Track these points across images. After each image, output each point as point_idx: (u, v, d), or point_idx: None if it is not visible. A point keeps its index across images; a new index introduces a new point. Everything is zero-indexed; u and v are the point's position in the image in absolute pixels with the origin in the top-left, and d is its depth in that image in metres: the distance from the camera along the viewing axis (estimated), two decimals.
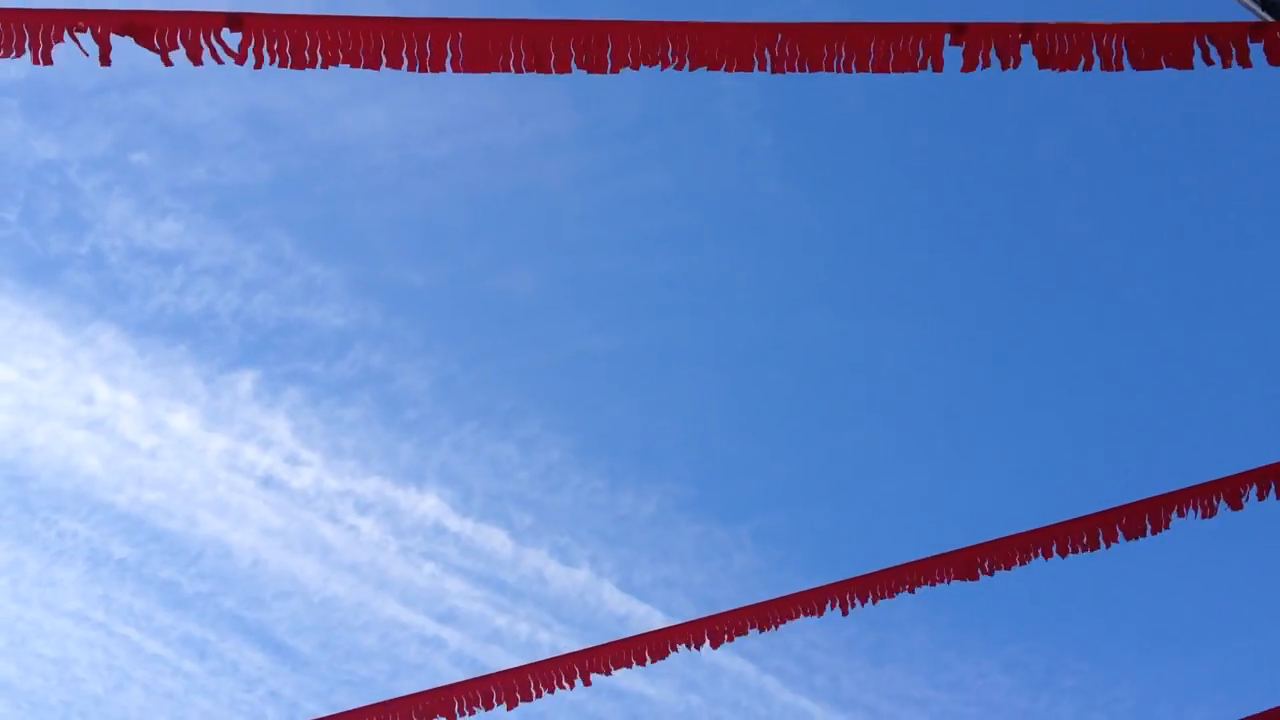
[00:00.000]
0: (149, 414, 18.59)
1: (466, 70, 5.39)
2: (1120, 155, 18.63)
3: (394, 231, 19.11)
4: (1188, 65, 6.19)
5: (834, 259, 19.60)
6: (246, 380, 18.71)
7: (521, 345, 19.56)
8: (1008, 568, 8.49)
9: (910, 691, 19.06)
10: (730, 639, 8.28)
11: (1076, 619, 19.06)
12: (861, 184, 19.28)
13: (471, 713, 8.01)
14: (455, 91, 18.12)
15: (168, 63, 5.14)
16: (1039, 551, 8.42)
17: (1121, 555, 17.26)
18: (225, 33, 5.18)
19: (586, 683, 8.07)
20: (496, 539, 18.96)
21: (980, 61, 6.00)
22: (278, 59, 5.12)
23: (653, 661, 8.28)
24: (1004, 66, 6.02)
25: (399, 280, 19.26)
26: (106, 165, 18.01)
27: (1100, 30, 6.11)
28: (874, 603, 8.50)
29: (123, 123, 18.10)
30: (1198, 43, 6.24)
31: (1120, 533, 8.35)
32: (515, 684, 8.05)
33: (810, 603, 8.34)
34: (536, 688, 8.03)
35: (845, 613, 8.37)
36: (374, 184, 18.85)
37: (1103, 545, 8.42)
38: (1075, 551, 8.43)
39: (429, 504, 18.94)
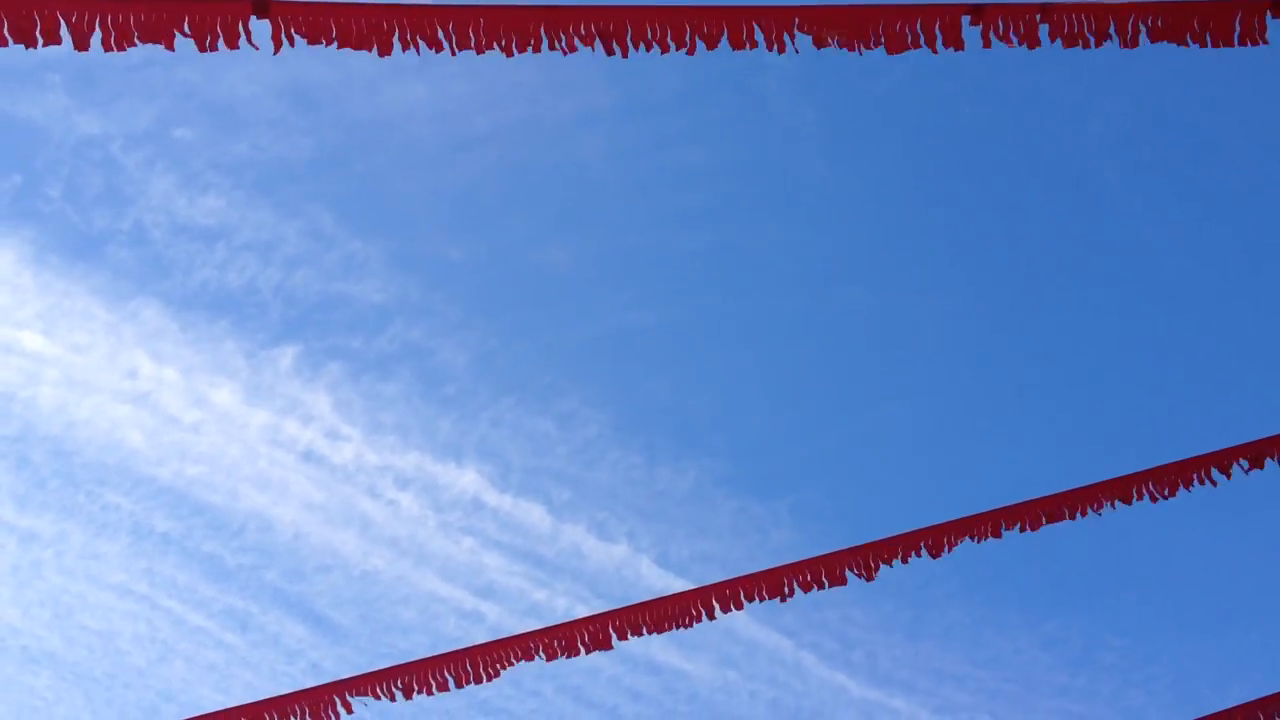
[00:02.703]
0: (191, 389, 18.80)
1: (493, 48, 5.49)
2: (1164, 133, 18.58)
3: (433, 207, 19.24)
4: (1202, 42, 6.22)
5: (873, 234, 19.63)
6: (287, 355, 18.88)
7: (560, 320, 19.67)
8: (1029, 530, 8.48)
9: (947, 667, 19.11)
10: (738, 606, 8.30)
11: (1116, 595, 19.07)
12: (904, 161, 19.29)
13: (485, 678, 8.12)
14: (494, 67, 18.20)
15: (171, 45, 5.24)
16: (1066, 513, 8.43)
17: (1161, 530, 17.24)
18: (252, 20, 5.28)
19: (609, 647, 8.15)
20: (535, 514, 19.10)
21: (999, 40, 6.05)
22: (304, 42, 5.23)
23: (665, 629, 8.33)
24: (1022, 45, 6.06)
25: (438, 255, 19.39)
26: (149, 141, 18.19)
27: (1118, 9, 6.14)
28: (893, 564, 8.48)
29: (165, 98, 18.27)
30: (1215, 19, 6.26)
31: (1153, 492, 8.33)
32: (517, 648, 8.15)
33: (834, 567, 8.36)
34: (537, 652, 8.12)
35: (870, 578, 8.38)
36: (414, 159, 18.98)
37: (1121, 504, 8.40)
38: (1101, 509, 8.42)
39: (468, 479, 19.09)
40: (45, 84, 17.92)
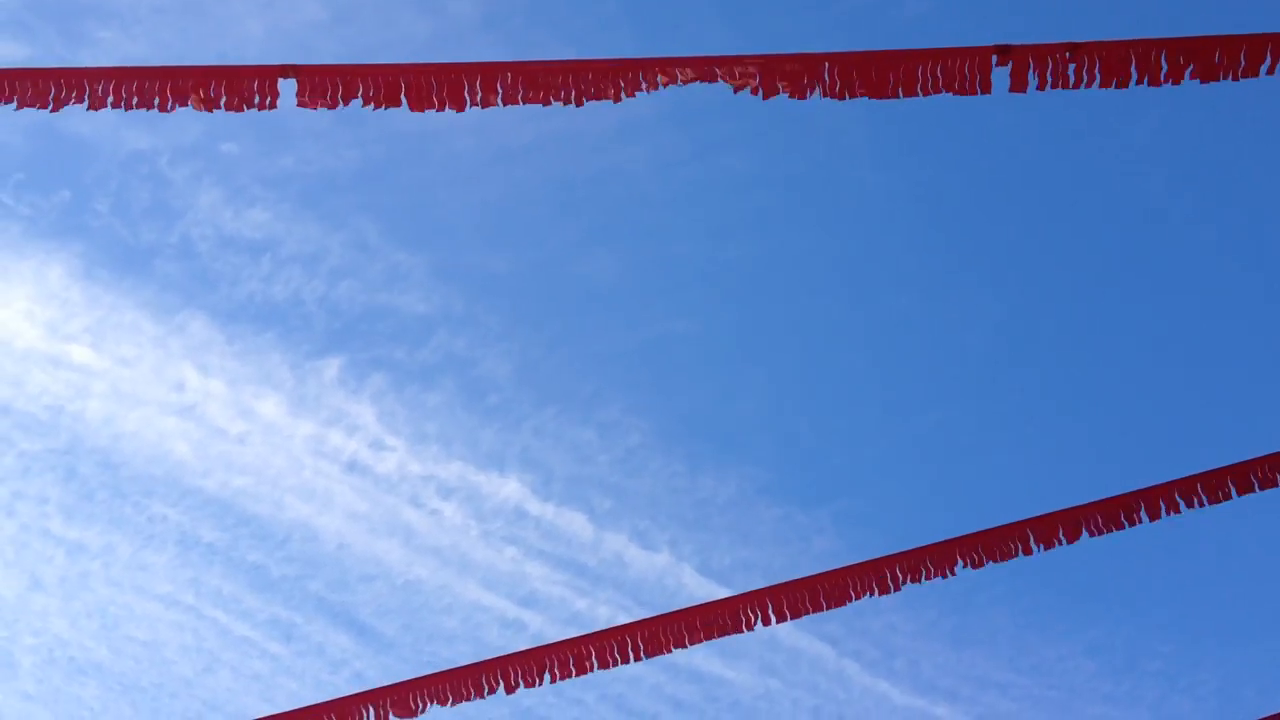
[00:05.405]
0: (237, 400, 18.94)
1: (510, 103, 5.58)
2: (1210, 140, 18.46)
3: (476, 218, 19.30)
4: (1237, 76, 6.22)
5: (917, 241, 19.57)
6: (332, 366, 19.00)
7: (602, 330, 19.71)
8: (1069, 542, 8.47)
9: (991, 675, 19.06)
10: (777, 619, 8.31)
11: (1161, 601, 18.98)
12: (949, 168, 19.22)
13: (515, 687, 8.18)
14: None
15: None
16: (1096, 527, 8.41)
17: (1206, 535, 17.14)
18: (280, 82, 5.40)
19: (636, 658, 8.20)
20: (577, 523, 19.15)
21: (1028, 81, 6.08)
22: (329, 103, 5.35)
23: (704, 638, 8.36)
24: (1052, 85, 6.09)
25: (481, 266, 19.45)
26: (196, 155, 18.34)
27: (1145, 45, 6.14)
28: (930, 578, 8.48)
29: (212, 113, 18.37)
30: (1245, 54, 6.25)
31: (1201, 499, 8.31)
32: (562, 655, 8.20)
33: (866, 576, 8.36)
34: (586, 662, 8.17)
35: (897, 588, 8.40)
36: (457, 171, 19.04)
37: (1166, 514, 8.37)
38: (1153, 519, 8.40)
39: (510, 488, 19.16)
40: None
